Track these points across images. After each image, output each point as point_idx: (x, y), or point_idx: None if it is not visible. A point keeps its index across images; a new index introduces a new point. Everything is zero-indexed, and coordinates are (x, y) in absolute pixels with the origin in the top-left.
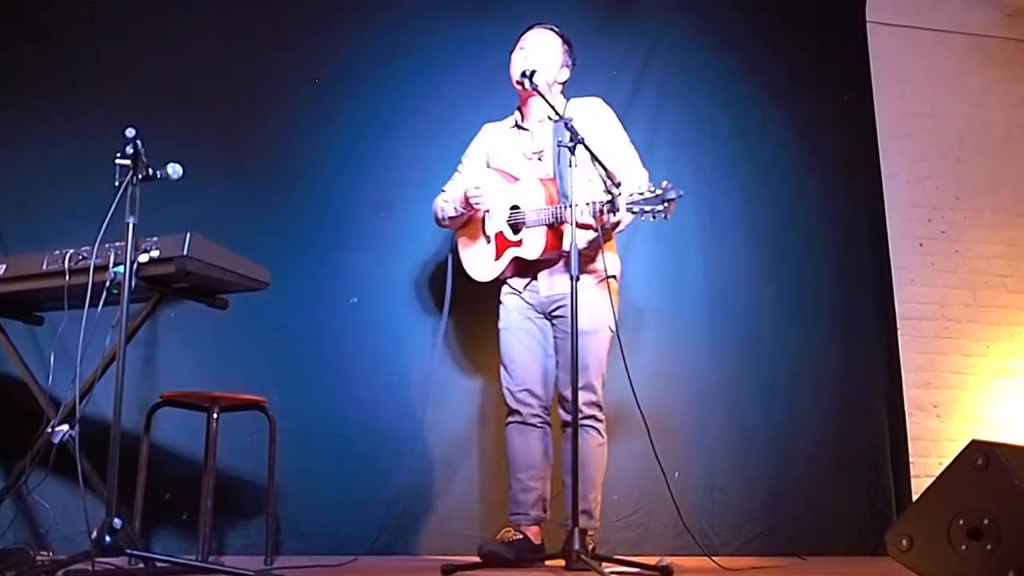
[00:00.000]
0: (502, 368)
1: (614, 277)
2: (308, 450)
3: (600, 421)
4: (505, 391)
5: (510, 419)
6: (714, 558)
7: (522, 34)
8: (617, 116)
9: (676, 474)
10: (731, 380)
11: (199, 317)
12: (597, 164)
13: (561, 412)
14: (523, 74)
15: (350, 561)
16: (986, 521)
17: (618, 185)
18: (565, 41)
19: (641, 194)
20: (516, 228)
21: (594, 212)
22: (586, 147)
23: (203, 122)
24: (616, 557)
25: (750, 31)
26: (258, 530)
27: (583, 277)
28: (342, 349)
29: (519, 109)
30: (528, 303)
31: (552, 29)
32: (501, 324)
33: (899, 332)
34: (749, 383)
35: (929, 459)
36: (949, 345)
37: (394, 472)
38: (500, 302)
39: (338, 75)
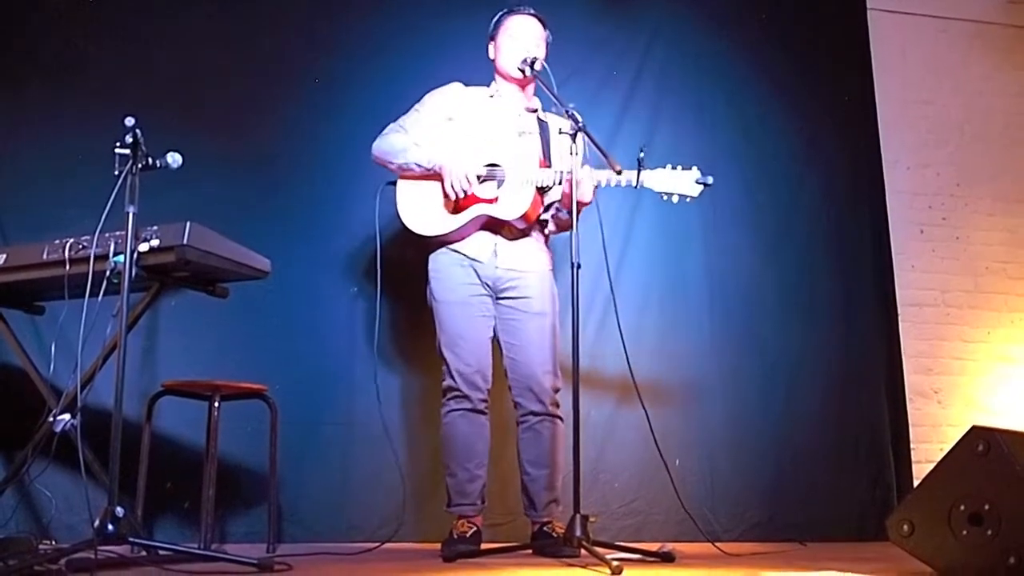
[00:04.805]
0: (446, 347)
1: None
2: (310, 438)
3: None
4: (454, 372)
5: (456, 405)
6: (715, 544)
7: (503, 17)
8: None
9: (677, 461)
10: (732, 367)
11: (200, 306)
12: (599, 151)
13: (523, 402)
14: (524, 61)
15: (352, 549)
16: (987, 507)
17: (619, 172)
18: (546, 29)
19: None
20: (487, 184)
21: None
22: (587, 134)
23: (203, 114)
24: (617, 543)
25: (750, 20)
26: (260, 518)
27: (538, 254)
28: (343, 338)
29: (493, 82)
30: (478, 276)
31: (538, 17)
32: (442, 296)
33: (900, 318)
34: (750, 370)
35: (930, 445)
36: (950, 331)
37: (396, 460)
38: (435, 270)
39: (338, 66)
